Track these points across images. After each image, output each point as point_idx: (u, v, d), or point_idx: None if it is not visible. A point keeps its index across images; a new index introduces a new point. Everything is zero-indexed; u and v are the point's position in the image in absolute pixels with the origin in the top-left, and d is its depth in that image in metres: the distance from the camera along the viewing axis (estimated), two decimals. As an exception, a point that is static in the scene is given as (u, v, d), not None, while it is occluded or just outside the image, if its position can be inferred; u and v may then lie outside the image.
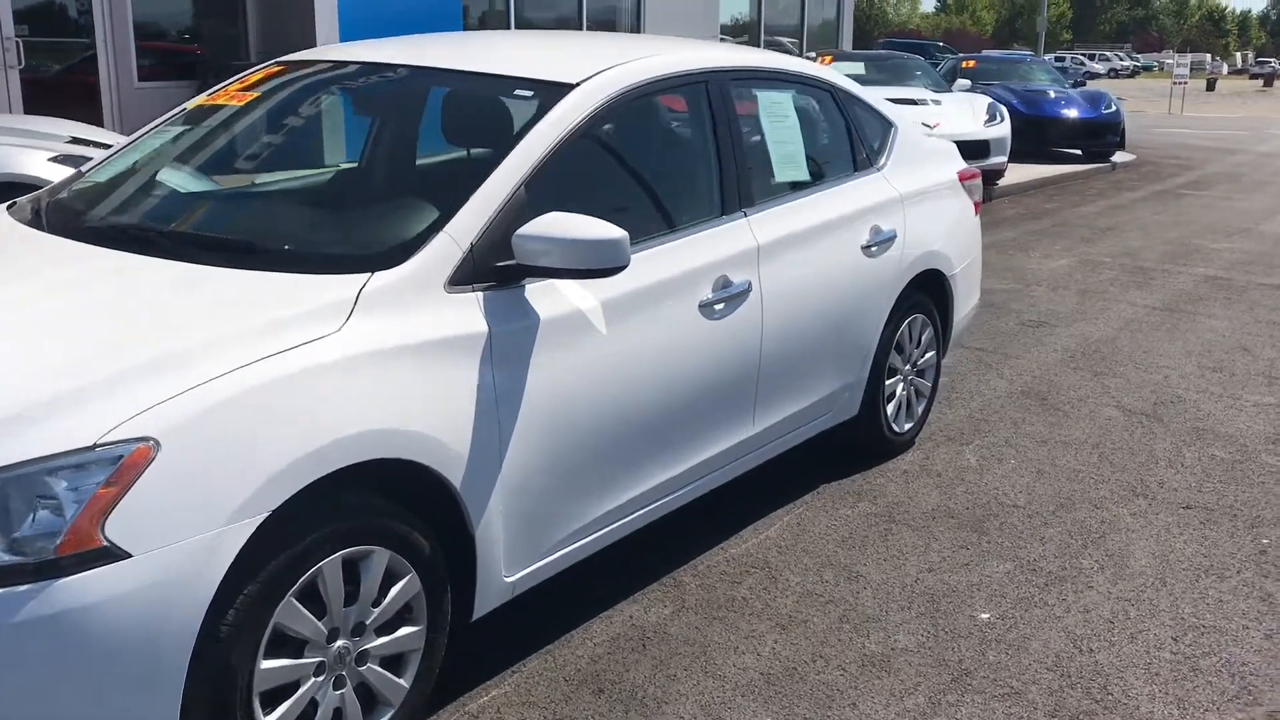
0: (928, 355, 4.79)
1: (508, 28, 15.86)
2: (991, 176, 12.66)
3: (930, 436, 4.95)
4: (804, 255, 3.84)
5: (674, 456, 3.39)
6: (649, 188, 3.54)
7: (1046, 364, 6.11)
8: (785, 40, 21.46)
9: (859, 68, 13.85)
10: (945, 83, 14.13)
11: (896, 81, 13.60)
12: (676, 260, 3.32)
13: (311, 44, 12.10)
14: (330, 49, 3.82)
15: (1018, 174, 13.79)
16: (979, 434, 5.00)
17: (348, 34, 12.37)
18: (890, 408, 4.59)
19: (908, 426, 4.74)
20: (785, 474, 4.45)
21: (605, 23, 17.71)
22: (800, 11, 22.60)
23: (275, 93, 3.69)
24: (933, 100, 12.68)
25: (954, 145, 5.18)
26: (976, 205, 5.11)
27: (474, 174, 2.90)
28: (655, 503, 3.39)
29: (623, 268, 2.83)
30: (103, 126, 10.99)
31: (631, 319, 3.13)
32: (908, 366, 4.67)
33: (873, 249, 4.20)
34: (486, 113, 3.31)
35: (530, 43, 3.87)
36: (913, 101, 12.50)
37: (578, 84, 3.21)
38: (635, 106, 3.40)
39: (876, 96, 4.60)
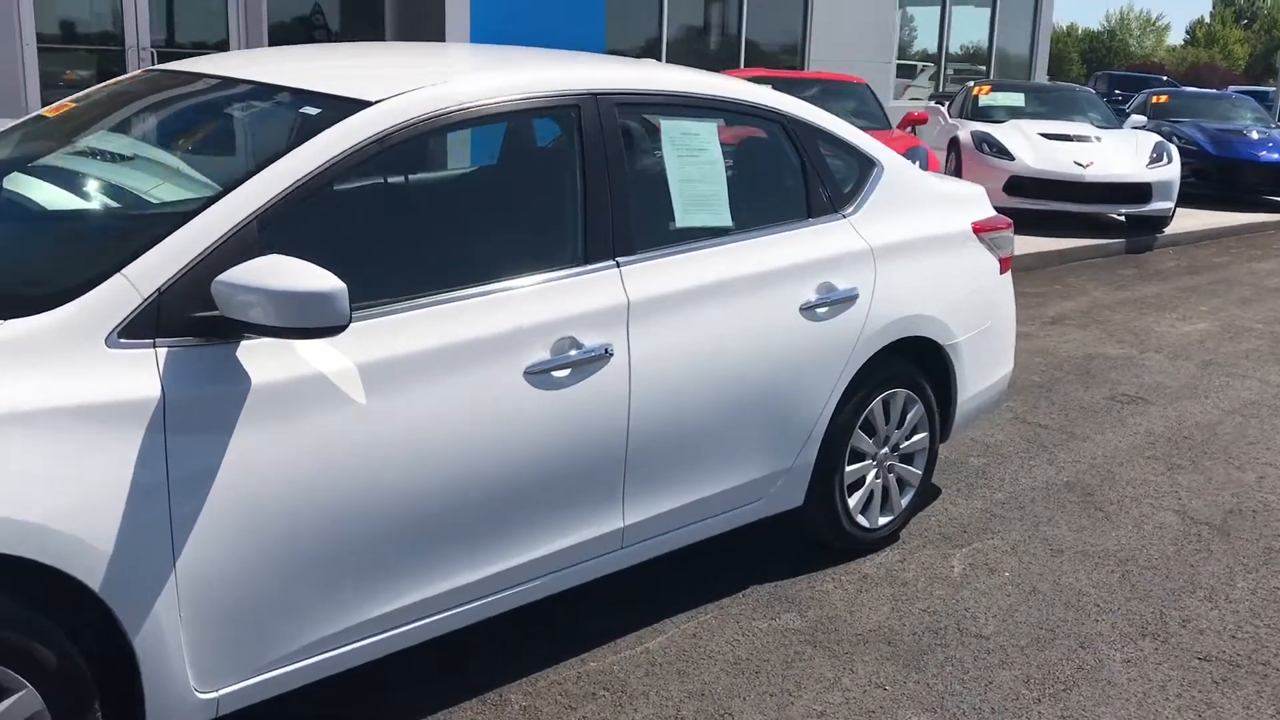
0: (915, 437, 4.02)
1: (659, 44, 15.49)
2: (1154, 223, 11.39)
3: (921, 532, 4.17)
4: (704, 315, 3.19)
5: (482, 555, 2.81)
6: (466, 228, 2.97)
7: (1115, 450, 5.17)
8: (921, 64, 20.31)
9: (1018, 99, 12.77)
10: (1116, 119, 12.87)
11: (1058, 115, 12.45)
12: (493, 318, 2.75)
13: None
14: (190, 61, 3.42)
15: (1192, 221, 12.40)
16: (984, 534, 4.18)
17: (479, 39, 12.23)
18: (855, 498, 3.85)
19: (883, 521, 3.99)
20: (715, 565, 3.78)
21: (768, 48, 17.13)
22: (989, 39, 21.38)
23: (90, 104, 3.31)
24: (1095, 137, 11.51)
25: (979, 190, 4.39)
26: (1004, 262, 4.29)
27: (186, 205, 2.42)
28: (455, 608, 2.81)
29: (339, 327, 2.29)
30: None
31: (411, 387, 2.58)
32: (884, 450, 3.92)
33: (820, 310, 3.50)
34: (248, 132, 2.83)
35: (388, 53, 3.36)
36: (1066, 137, 11.38)
37: (376, 102, 2.69)
38: (461, 131, 2.85)
39: (855, 130, 3.88)
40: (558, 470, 2.90)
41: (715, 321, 3.22)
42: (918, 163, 8.41)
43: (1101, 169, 10.89)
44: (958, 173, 11.42)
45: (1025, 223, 11.12)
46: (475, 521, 2.76)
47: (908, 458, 4.05)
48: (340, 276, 2.31)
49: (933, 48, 20.53)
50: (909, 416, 3.96)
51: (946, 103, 13.77)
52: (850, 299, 3.58)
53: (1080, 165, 10.89)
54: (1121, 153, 11.21)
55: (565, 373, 2.87)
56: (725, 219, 3.36)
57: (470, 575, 2.80)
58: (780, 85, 10.12)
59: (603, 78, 3.13)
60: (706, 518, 3.39)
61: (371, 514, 2.54)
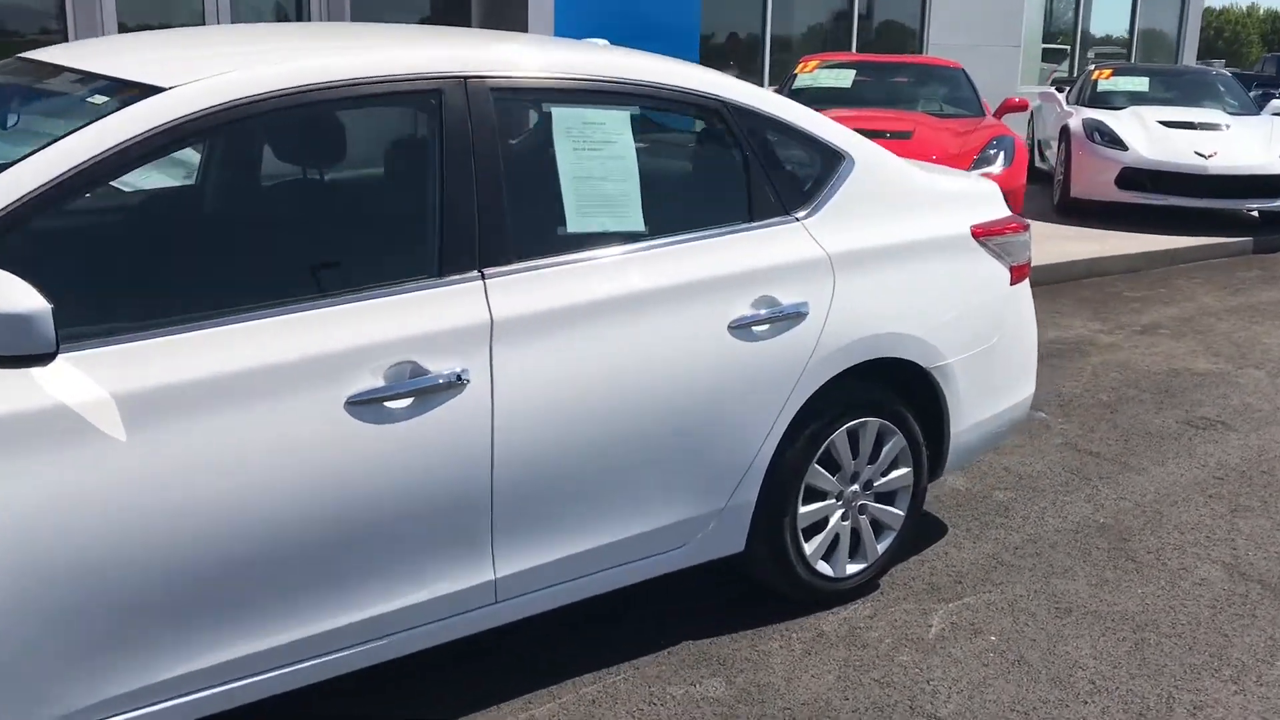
0: (895, 474, 3.48)
1: (762, 31, 14.90)
2: (1287, 220, 10.33)
3: (906, 582, 3.62)
4: (599, 335, 2.74)
5: (304, 610, 2.43)
6: (280, 235, 2.58)
7: (1173, 486, 4.49)
8: (1066, 47, 19.12)
9: (1141, 83, 11.77)
10: (1255, 105, 11.75)
11: (1186, 101, 11.43)
12: (306, 339, 2.36)
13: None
14: (53, 49, 3.12)
15: (1338, 218, 11.22)
16: (981, 586, 3.61)
17: (562, 34, 11.91)
18: (814, 543, 3.34)
19: (854, 569, 3.46)
20: (648, 613, 3.33)
21: (883, 31, 16.36)
22: (1131, 19, 20.06)
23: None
24: (1223, 125, 10.50)
25: (991, 186, 3.80)
26: (1018, 270, 3.70)
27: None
28: (272, 670, 2.44)
29: (43, 356, 1.94)
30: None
31: (192, 420, 2.22)
32: (853, 488, 3.39)
33: (757, 328, 3.01)
34: (42, 127, 2.50)
35: (274, 36, 3.00)
36: (1189, 125, 10.40)
37: (169, 88, 2.33)
38: (278, 121, 2.47)
39: (820, 119, 3.34)
40: (397, 516, 2.50)
41: (613, 342, 2.76)
42: (1001, 154, 7.72)
43: (1226, 160, 9.90)
44: (1066, 165, 10.57)
45: (1141, 220, 10.21)
46: (289, 574, 2.38)
47: (886, 497, 3.51)
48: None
49: (1079, 29, 19.39)
50: (885, 450, 3.43)
51: (1067, 88, 12.83)
52: (797, 315, 3.07)
53: (1202, 156, 9.92)
54: (1252, 142, 10.18)
55: (403, 403, 2.46)
56: (636, 223, 2.90)
57: (290, 634, 2.42)
58: (863, 69, 9.49)
59: (476, 58, 2.70)
60: (612, 566, 2.94)
61: (136, 566, 2.19)
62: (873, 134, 8.18)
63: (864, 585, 3.52)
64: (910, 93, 9.43)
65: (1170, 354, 6.45)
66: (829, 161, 3.30)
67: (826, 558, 3.40)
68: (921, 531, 3.95)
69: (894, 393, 3.42)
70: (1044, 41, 19.52)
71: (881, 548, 3.52)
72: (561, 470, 2.72)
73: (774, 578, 3.33)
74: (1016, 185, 7.84)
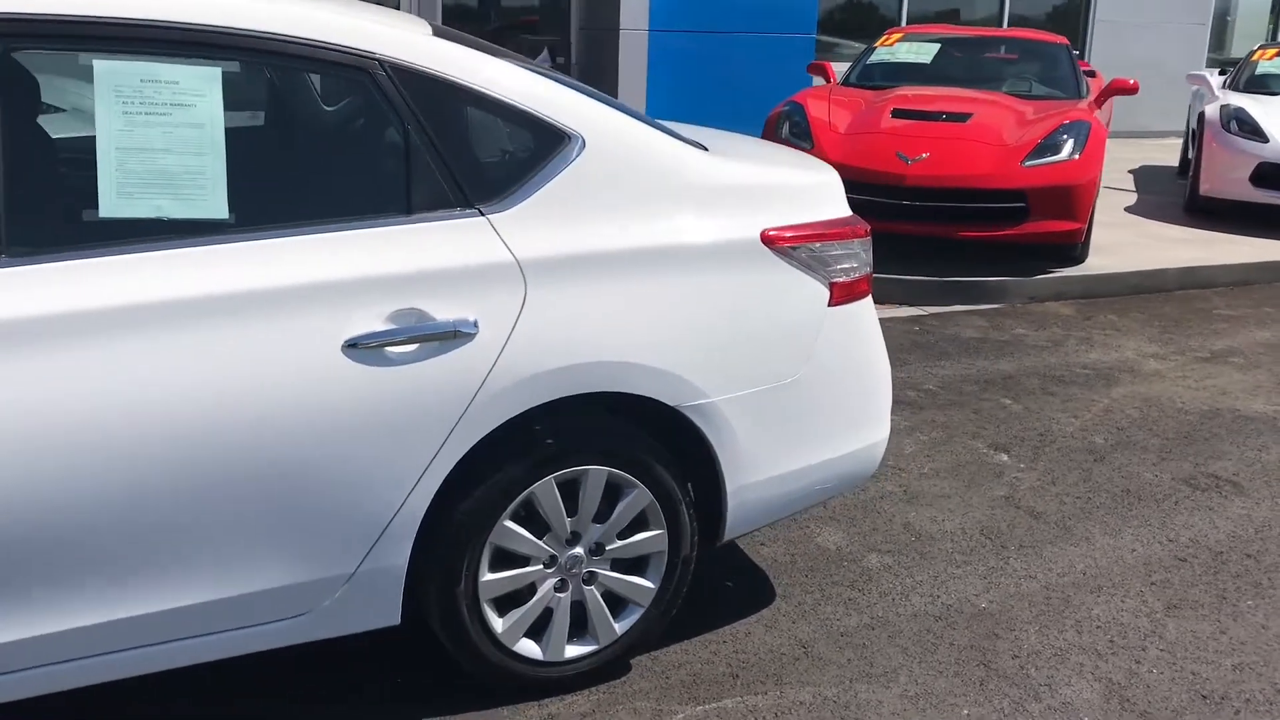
0: (641, 537, 2.77)
1: (898, 6, 13.80)
2: None
3: (665, 670, 2.90)
4: (125, 350, 2.16)
5: None
6: None
7: (1111, 566, 3.56)
8: None
9: None
10: None
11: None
12: None
13: (614, 22, 11.19)
14: None
15: None
16: (759, 686, 2.85)
17: (658, 17, 11.32)
18: (512, 618, 2.67)
19: (577, 652, 2.77)
20: (303, 688, 2.74)
21: (1040, 5, 14.96)
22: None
23: None
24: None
25: (825, 179, 3.00)
26: (844, 287, 2.91)
27: None
28: None
29: None
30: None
31: None
32: (573, 552, 2.70)
33: (392, 349, 2.36)
34: None
35: None
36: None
37: None
38: None
39: (542, 86, 2.61)
40: None
41: (148, 360, 2.18)
42: (1070, 141, 6.69)
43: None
44: (1198, 158, 9.22)
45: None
46: None
47: (631, 564, 2.81)
48: None
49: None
50: (621, 507, 2.72)
51: (1230, 71, 11.29)
52: (456, 334, 2.40)
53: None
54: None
55: None
56: (214, 208, 2.29)
57: None
58: (953, 44, 8.51)
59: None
60: (170, 640, 2.36)
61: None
62: (927, 115, 7.28)
63: (604, 670, 2.82)
64: (998, 70, 8.36)
65: (1224, 389, 5.34)
66: (544, 142, 2.59)
67: (535, 636, 2.72)
68: (744, 599, 3.21)
69: (642, 437, 2.70)
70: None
71: (622, 627, 2.81)
72: (59, 523, 2.15)
73: (460, 659, 2.68)
74: (1087, 178, 6.77)
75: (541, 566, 2.68)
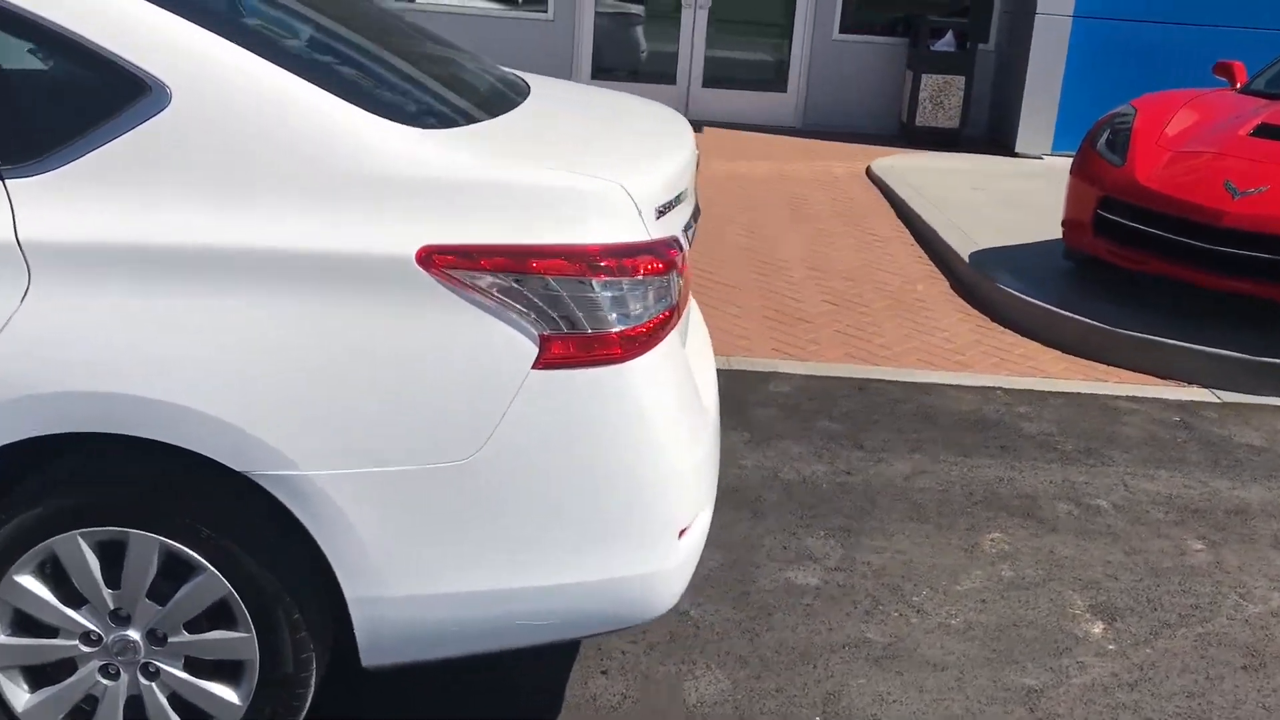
0: (216, 635, 2.06)
1: None
2: None
3: (275, 815, 2.16)
4: None
5: None
6: None
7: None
8: None
9: None
10: None
11: None
12: None
13: (1032, 4, 9.79)
14: None
15: None
16: None
17: (1085, 0, 9.73)
18: (41, 695, 2.09)
19: (132, 764, 2.13)
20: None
21: None
22: None
23: None
24: None
25: (571, 189, 2.04)
26: (560, 343, 1.98)
27: None
28: None
29: None
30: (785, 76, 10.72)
31: None
32: (126, 634, 2.06)
33: None
34: None
35: None
36: None
37: None
38: None
39: (138, 16, 1.94)
40: None
41: None
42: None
43: None
44: None
45: None
46: None
47: (211, 668, 2.10)
48: None
49: None
50: (185, 591, 2.03)
51: None
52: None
53: None
54: None
55: None
56: None
57: None
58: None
59: None
60: None
61: None
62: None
63: (181, 794, 2.15)
64: None
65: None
66: (116, 92, 1.93)
67: (82, 726, 2.12)
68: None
69: (215, 505, 1.99)
70: None
71: (197, 743, 2.13)
72: None
73: (-21, 731, 2.15)
74: None
75: (78, 643, 2.07)
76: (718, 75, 11.03)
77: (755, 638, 2.84)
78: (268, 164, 1.93)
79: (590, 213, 2.02)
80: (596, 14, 10.89)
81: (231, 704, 2.11)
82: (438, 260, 1.93)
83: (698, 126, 10.72)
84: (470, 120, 2.21)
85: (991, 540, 3.41)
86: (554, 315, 1.97)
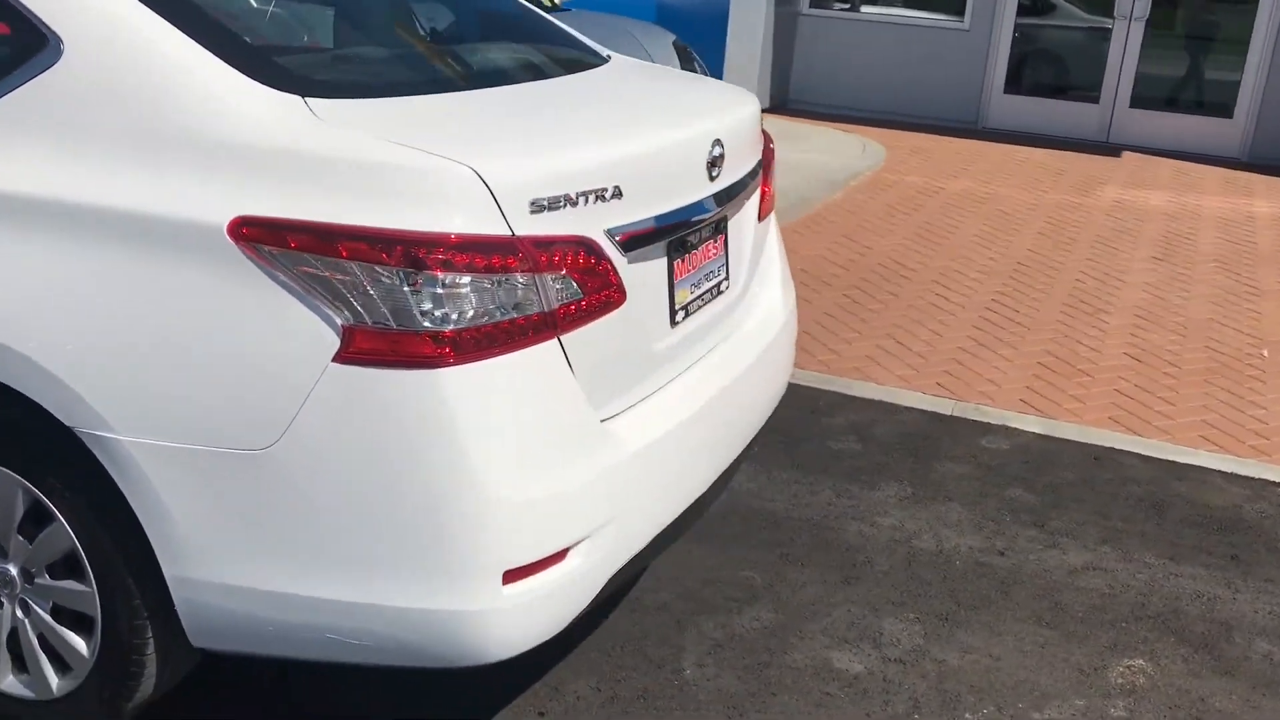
0: (69, 584, 2.09)
1: None
2: None
3: (123, 776, 2.16)
4: None
5: None
6: None
7: None
8: None
9: None
10: None
11: None
12: None
13: None
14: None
15: None
16: None
17: None
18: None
19: (17, 690, 2.21)
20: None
21: None
22: None
23: None
24: None
25: (442, 175, 1.82)
26: (365, 336, 1.79)
27: None
28: None
29: None
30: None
31: None
32: (7, 566, 2.15)
33: None
34: None
35: None
36: None
37: None
38: None
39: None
40: None
41: None
42: None
43: None
44: None
45: None
46: None
47: (71, 617, 2.13)
48: None
49: None
50: (42, 536, 2.08)
51: None
52: None
53: None
54: None
55: None
56: None
57: None
58: None
59: None
60: None
61: None
62: None
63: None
64: None
65: None
66: (21, 43, 2.00)
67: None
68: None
69: (55, 452, 2.02)
70: None
71: (60, 687, 2.17)
72: None
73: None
74: None
75: (-28, 567, 2.19)
76: (1149, 95, 9.81)
77: (737, 717, 2.44)
78: (115, 116, 1.90)
79: (423, 196, 1.80)
80: (1016, 24, 10.09)
81: (81, 656, 2.13)
82: (246, 232, 1.81)
83: (1116, 151, 9.61)
84: (397, 94, 2.06)
85: (1127, 668, 2.69)
86: (357, 306, 1.78)
